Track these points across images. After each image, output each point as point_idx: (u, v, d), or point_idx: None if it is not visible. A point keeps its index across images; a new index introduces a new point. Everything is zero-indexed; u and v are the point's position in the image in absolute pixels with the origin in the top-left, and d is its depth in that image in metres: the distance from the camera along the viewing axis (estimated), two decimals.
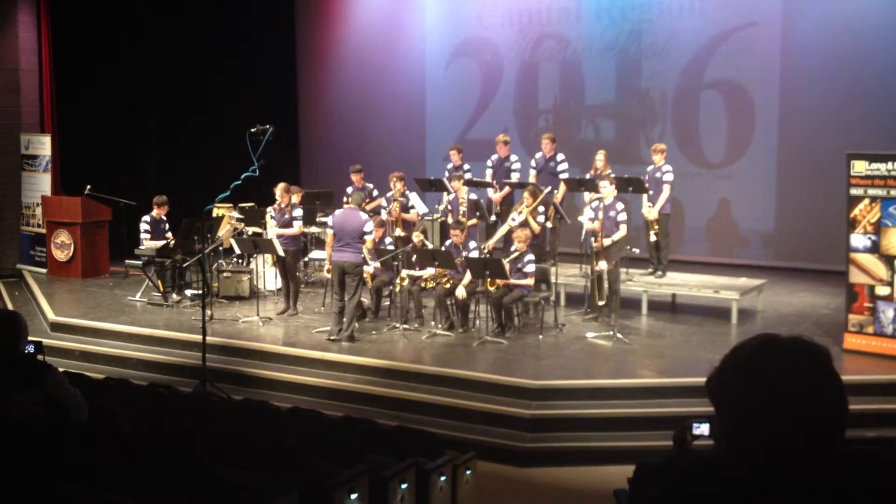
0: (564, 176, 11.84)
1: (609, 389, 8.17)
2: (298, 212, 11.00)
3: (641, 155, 13.47)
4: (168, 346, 10.06)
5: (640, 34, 14.06)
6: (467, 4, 15.63)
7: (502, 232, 10.89)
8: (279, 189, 10.97)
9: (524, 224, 10.25)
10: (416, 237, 10.22)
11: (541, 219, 10.66)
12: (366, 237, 9.57)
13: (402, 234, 11.29)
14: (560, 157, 11.95)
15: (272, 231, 10.98)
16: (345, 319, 9.56)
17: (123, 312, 11.21)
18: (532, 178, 11.80)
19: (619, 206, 10.04)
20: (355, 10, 16.65)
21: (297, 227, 10.91)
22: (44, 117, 14.88)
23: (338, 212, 9.91)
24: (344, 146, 16.43)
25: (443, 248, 10.39)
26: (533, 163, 12.10)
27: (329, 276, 9.96)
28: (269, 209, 11.26)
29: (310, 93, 17.24)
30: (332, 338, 9.55)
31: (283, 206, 10.96)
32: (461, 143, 13.26)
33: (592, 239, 10.13)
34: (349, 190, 12.30)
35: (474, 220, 11.41)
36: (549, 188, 11.05)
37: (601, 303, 10.08)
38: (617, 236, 9.93)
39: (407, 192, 11.85)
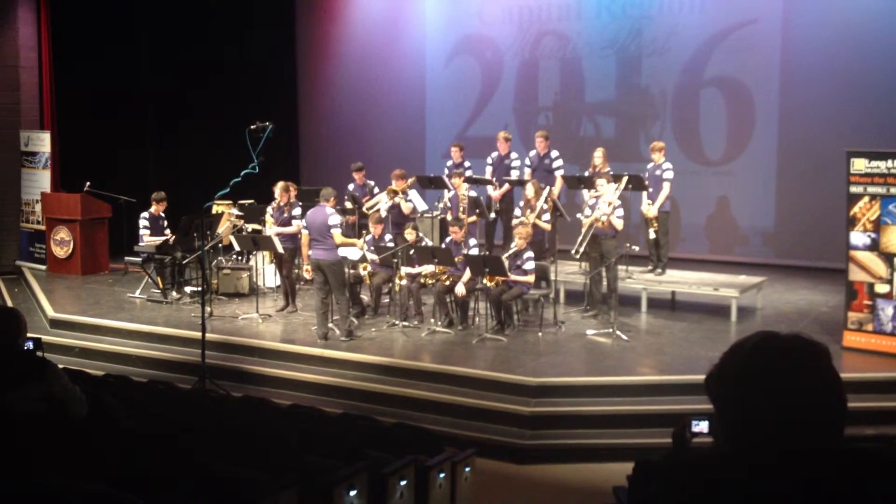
0: (560, 172, 11.85)
1: (608, 387, 8.17)
2: (297, 210, 10.99)
3: (641, 152, 13.46)
4: (167, 342, 10.06)
5: (641, 31, 14.05)
6: (467, 1, 15.62)
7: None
8: (278, 188, 10.97)
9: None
10: (409, 234, 10.16)
11: (546, 216, 10.64)
12: (332, 231, 9.40)
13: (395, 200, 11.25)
14: (554, 153, 11.97)
15: (271, 230, 10.97)
16: (338, 317, 9.54)
17: (123, 309, 11.21)
18: (527, 177, 11.80)
19: (616, 201, 10.04)
20: (355, 7, 16.63)
21: (296, 225, 10.90)
22: (43, 114, 14.87)
23: (310, 210, 9.87)
24: (344, 143, 16.42)
25: (442, 246, 10.38)
26: (528, 161, 12.09)
27: (308, 276, 9.95)
28: (268, 208, 11.25)
29: (310, 89, 17.22)
30: (320, 339, 9.46)
31: (282, 204, 10.95)
32: (461, 141, 13.27)
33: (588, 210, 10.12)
34: (350, 187, 12.31)
35: (474, 217, 11.40)
36: (546, 186, 11.04)
37: (580, 250, 10.05)
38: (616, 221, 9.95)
39: (407, 189, 11.84)
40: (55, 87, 14.87)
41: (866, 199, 8.68)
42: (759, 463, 1.77)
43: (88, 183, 13.30)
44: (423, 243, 10.38)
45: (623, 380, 8.25)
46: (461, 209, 11.26)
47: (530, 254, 9.59)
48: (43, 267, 13.99)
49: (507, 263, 9.34)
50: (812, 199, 12.74)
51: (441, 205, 11.79)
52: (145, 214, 11.89)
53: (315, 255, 9.48)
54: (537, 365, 8.56)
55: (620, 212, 10.04)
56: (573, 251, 10.23)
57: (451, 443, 6.66)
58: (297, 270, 11.20)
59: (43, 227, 14.09)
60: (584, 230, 10.04)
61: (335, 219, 9.48)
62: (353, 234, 11.20)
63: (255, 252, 11.64)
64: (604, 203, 9.95)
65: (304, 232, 9.83)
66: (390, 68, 16.25)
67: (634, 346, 9.19)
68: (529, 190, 10.57)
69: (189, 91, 15.64)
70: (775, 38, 13.14)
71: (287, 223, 10.89)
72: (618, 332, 9.36)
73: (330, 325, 9.75)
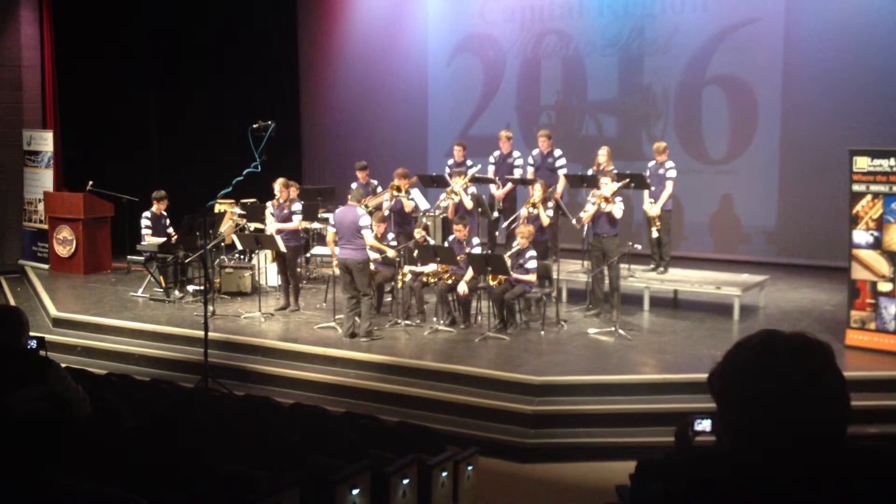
0: (563, 171, 11.83)
1: (611, 385, 8.16)
2: (298, 206, 10.98)
3: (644, 151, 13.46)
4: (170, 342, 10.06)
5: (643, 30, 14.04)
6: (469, 0, 15.61)
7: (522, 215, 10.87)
8: (278, 184, 10.96)
9: (533, 219, 10.22)
10: (418, 233, 10.22)
11: (549, 212, 10.62)
12: (363, 232, 9.45)
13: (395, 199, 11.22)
14: (558, 152, 11.93)
15: (271, 226, 10.97)
16: (347, 316, 9.55)
17: (125, 308, 11.22)
18: (530, 176, 11.78)
19: (617, 198, 10.05)
20: (357, 6, 16.63)
21: (297, 221, 10.90)
22: (46, 113, 14.88)
23: (339, 209, 9.91)
24: (346, 142, 16.43)
25: (445, 244, 10.38)
26: (531, 160, 12.06)
27: (338, 272, 9.96)
28: (268, 204, 11.25)
29: (312, 88, 17.22)
30: (346, 336, 9.50)
31: (281, 201, 10.95)
32: (463, 139, 13.25)
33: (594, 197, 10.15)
34: (354, 185, 12.30)
35: (470, 204, 11.20)
36: (549, 185, 11.03)
37: (582, 218, 10.05)
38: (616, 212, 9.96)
39: (409, 188, 11.80)
40: (57, 86, 14.88)
41: (869, 197, 8.68)
42: (762, 462, 1.77)
43: (91, 182, 13.32)
44: (426, 242, 10.38)
45: (625, 378, 8.24)
46: (469, 193, 11.07)
47: (532, 252, 9.59)
48: (46, 266, 14.00)
49: (509, 262, 9.34)
50: (815, 197, 12.72)
51: (444, 204, 11.77)
52: (147, 214, 11.90)
53: (343, 255, 9.50)
54: (540, 364, 8.56)
55: (622, 205, 10.03)
56: (574, 219, 10.25)
57: (454, 442, 6.66)
58: (300, 269, 11.18)
59: (45, 227, 14.10)
60: (589, 206, 10.06)
61: (366, 220, 9.51)
62: None
63: (257, 251, 11.64)
64: (606, 187, 9.93)
65: (330, 230, 9.85)
66: (392, 67, 16.24)
67: (637, 345, 9.18)
68: (537, 191, 10.51)
69: (191, 90, 15.65)
70: (777, 36, 13.12)
71: (287, 219, 10.89)
72: (620, 331, 9.36)
73: (332, 323, 9.76)
